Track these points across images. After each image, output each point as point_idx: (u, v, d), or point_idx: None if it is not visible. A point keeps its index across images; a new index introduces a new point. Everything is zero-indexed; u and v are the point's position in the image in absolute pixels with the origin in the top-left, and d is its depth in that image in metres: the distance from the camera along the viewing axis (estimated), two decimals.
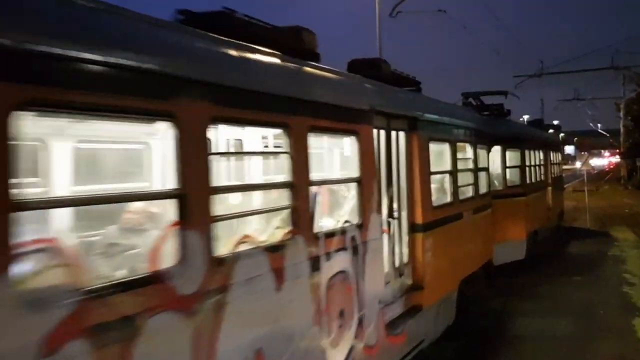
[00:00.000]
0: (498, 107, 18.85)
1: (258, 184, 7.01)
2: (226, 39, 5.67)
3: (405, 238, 9.29)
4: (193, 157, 4.73)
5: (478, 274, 12.94)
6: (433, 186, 10.28)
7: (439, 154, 10.87)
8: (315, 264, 6.34)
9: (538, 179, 19.94)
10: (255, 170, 7.18)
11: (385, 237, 8.56)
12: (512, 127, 18.37)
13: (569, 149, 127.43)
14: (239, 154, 7.15)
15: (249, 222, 6.17)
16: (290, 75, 6.44)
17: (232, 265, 5.09)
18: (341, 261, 6.91)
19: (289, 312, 5.88)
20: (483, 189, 13.22)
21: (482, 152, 13.45)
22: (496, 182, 16.80)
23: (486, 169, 13.65)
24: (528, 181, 18.11)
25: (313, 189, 6.51)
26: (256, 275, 5.38)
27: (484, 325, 12.73)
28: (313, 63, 7.24)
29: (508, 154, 17.17)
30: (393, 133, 8.94)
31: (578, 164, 35.91)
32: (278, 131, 6.26)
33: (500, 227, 15.83)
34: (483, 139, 13.52)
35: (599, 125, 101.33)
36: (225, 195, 5.79)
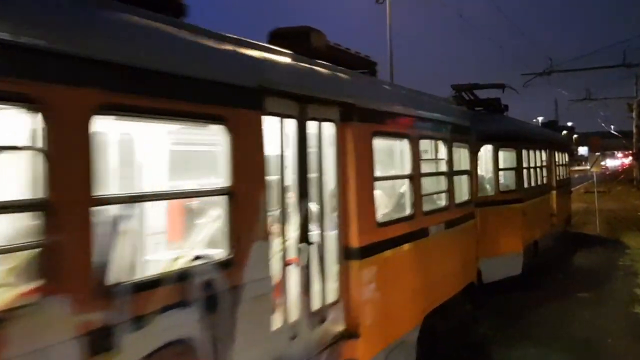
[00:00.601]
0: (494, 102, 15.78)
1: None
2: None
3: (333, 268, 6.38)
4: None
5: (458, 298, 9.98)
6: (380, 196, 7.37)
7: (392, 154, 7.94)
8: (99, 342, 3.47)
9: (539, 182, 16.71)
10: None
11: (293, 270, 5.68)
12: (506, 124, 15.11)
13: (583, 150, 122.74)
14: None
15: None
16: (60, 19, 3.55)
17: None
18: (174, 326, 4.03)
19: None
20: (463, 197, 10.20)
21: (463, 152, 10.45)
22: (488, 187, 13.75)
23: (468, 172, 10.60)
24: (526, 185, 14.92)
25: (106, 211, 3.66)
26: None
27: (464, 358, 9.87)
28: (148, 12, 4.37)
29: (502, 154, 14.04)
30: (311, 124, 6.04)
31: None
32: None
33: (491, 239, 12.92)
34: (466, 136, 10.50)
35: (612, 126, 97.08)
36: None
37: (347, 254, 6.46)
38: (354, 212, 6.50)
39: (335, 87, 6.53)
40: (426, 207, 8.36)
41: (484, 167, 13.82)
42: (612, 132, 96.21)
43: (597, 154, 31.55)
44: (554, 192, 18.96)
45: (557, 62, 37.15)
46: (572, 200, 28.38)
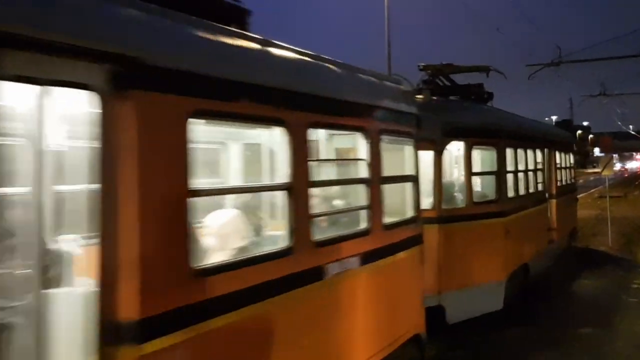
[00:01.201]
0: (474, 89, 12.82)
1: None
2: None
3: None
4: None
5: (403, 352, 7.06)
6: (219, 223, 4.47)
7: (252, 151, 5.02)
8: None
9: (532, 190, 13.58)
10: None
11: None
12: (483, 114, 11.97)
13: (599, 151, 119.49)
14: None
15: None
16: None
17: None
18: None
19: None
20: (401, 214, 7.23)
21: (406, 150, 7.51)
22: (457, 197, 10.76)
23: (412, 179, 7.58)
24: (511, 194, 11.85)
25: None
26: None
27: None
28: None
29: (477, 153, 11.03)
30: (21, 88, 3.15)
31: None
32: None
33: (460, 266, 10.07)
34: (408, 127, 7.50)
35: (630, 126, 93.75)
36: None
37: (112, 333, 3.53)
38: (132, 254, 3.58)
39: (90, 25, 3.59)
40: (321, 233, 5.41)
41: (453, 170, 10.89)
42: (631, 132, 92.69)
43: (614, 155, 28.70)
44: (554, 201, 15.87)
45: (567, 51, 33.76)
46: (584, 206, 25.38)
